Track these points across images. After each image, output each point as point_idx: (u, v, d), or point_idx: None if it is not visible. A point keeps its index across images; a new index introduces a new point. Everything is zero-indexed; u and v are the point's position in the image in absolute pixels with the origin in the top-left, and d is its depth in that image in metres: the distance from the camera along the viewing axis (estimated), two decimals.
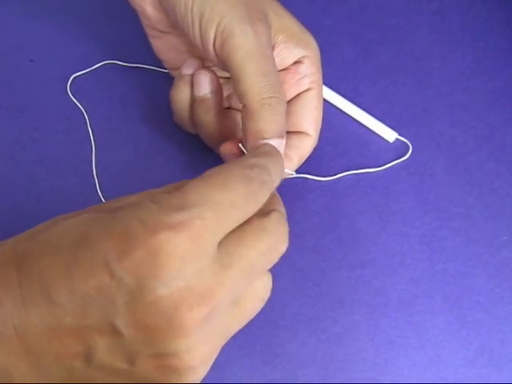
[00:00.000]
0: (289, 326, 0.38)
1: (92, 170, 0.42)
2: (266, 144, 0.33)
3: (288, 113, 0.36)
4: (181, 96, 0.39)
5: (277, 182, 0.29)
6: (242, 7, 0.34)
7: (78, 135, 0.43)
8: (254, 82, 0.33)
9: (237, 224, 0.26)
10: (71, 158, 0.42)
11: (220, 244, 0.26)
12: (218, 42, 0.34)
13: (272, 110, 0.33)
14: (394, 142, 0.42)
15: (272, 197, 0.29)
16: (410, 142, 0.42)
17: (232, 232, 0.26)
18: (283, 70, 0.38)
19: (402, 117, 0.43)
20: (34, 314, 0.25)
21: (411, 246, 0.40)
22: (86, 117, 0.43)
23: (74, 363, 0.26)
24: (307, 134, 0.38)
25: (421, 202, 0.41)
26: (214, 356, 0.27)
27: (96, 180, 0.41)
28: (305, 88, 0.38)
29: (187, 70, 0.38)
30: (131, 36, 0.46)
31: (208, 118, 0.38)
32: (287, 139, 0.36)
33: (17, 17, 0.46)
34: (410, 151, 0.42)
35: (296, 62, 0.38)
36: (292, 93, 0.38)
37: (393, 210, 0.41)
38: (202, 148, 0.42)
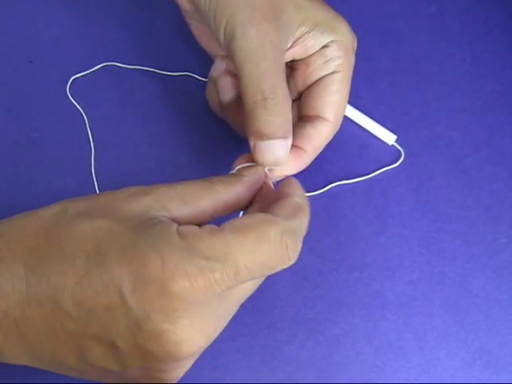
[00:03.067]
0: (287, 328, 0.38)
1: (91, 172, 0.42)
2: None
3: (309, 94, 0.36)
4: (212, 96, 0.39)
5: None
6: (249, 8, 0.33)
7: (77, 137, 0.43)
8: (249, 83, 0.33)
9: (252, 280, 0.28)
10: (70, 160, 0.42)
11: None
12: (225, 43, 0.34)
13: (266, 111, 0.32)
14: (392, 144, 0.42)
15: (299, 211, 0.30)
16: (410, 144, 0.42)
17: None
18: (310, 56, 0.37)
19: (401, 119, 0.43)
20: (37, 312, 0.26)
21: (410, 248, 0.40)
22: (86, 118, 0.43)
23: (67, 357, 0.27)
24: (324, 119, 0.37)
25: (419, 205, 0.41)
26: None
27: (95, 181, 0.41)
28: (330, 71, 0.36)
29: (214, 72, 0.38)
30: (131, 38, 0.46)
31: (238, 119, 0.37)
32: (300, 128, 0.36)
33: (16, 18, 0.46)
34: (402, 158, 0.42)
35: (323, 47, 0.36)
36: (316, 75, 0.37)
37: (391, 213, 0.41)
38: (202, 148, 0.42)
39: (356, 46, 0.37)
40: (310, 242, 0.39)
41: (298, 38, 0.36)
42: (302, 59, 0.37)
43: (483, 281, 0.39)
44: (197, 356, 0.28)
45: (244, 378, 0.37)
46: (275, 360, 0.37)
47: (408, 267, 0.39)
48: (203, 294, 0.25)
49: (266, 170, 0.33)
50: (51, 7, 0.47)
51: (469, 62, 0.45)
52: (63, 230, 0.27)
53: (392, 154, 0.42)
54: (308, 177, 0.41)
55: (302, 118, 0.38)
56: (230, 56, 0.34)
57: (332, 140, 0.40)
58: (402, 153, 0.42)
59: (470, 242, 0.40)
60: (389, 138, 0.42)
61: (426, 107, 0.44)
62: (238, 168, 0.33)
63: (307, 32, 0.35)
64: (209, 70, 0.39)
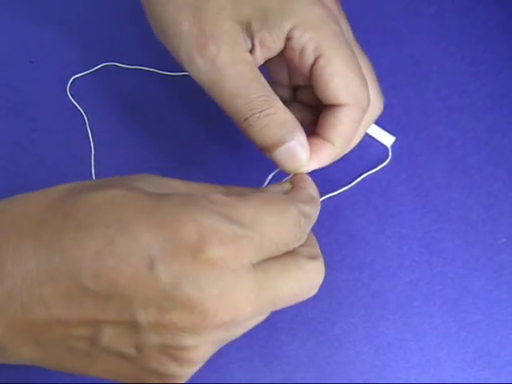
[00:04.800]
0: (287, 328, 0.38)
1: (91, 172, 0.42)
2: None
3: (313, 86, 0.33)
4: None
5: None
6: (192, 31, 0.32)
7: (77, 137, 0.43)
8: (231, 106, 0.32)
9: (270, 256, 0.27)
10: (70, 160, 0.42)
11: (261, 265, 0.26)
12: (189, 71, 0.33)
13: (262, 123, 0.31)
14: (392, 145, 0.42)
15: (313, 239, 0.30)
16: (410, 144, 0.42)
17: (277, 258, 0.27)
18: (279, 55, 0.33)
19: (401, 119, 0.44)
20: (49, 291, 0.23)
21: (410, 248, 0.40)
22: (86, 118, 0.43)
23: (77, 343, 0.25)
24: (340, 105, 0.33)
25: (419, 205, 0.41)
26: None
27: None
28: (311, 60, 0.32)
29: None
30: (131, 38, 0.46)
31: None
32: (322, 119, 0.34)
33: (16, 18, 0.46)
34: (389, 159, 0.42)
35: (287, 40, 0.32)
36: (305, 68, 0.33)
37: (391, 213, 0.41)
38: (202, 149, 0.42)
39: (332, 4, 0.34)
40: None
41: (254, 38, 0.32)
42: (278, 58, 0.34)
43: (483, 281, 0.39)
44: (216, 339, 0.26)
45: (244, 378, 0.37)
46: (275, 360, 0.37)
47: (408, 267, 0.39)
48: (233, 261, 0.24)
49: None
50: (51, 7, 0.47)
51: (469, 62, 0.45)
52: (75, 201, 0.25)
53: (391, 155, 0.42)
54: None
55: (322, 107, 0.35)
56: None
57: None
58: (390, 154, 0.42)
59: (470, 241, 0.40)
60: (387, 139, 0.42)
61: (426, 107, 0.44)
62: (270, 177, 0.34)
63: (259, 30, 0.32)
64: None
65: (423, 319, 0.38)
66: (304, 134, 0.32)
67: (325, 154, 0.33)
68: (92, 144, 0.42)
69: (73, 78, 0.44)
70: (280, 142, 0.32)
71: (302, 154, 0.32)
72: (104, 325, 0.24)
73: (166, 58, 0.45)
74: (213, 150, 0.42)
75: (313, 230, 0.30)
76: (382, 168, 0.42)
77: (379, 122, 0.43)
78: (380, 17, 0.47)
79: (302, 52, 0.32)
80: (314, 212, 0.29)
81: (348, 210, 0.41)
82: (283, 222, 0.26)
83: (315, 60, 0.32)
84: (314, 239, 0.31)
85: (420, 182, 0.41)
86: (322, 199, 0.41)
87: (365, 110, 0.34)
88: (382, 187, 0.41)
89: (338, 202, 0.41)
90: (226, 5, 0.32)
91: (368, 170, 0.41)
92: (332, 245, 0.39)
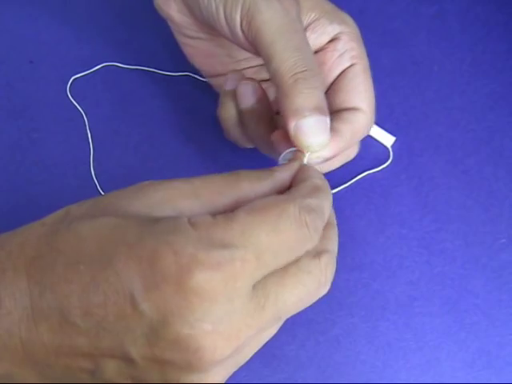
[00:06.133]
0: (287, 329, 0.37)
1: (91, 172, 0.42)
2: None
3: (335, 90, 0.35)
4: (229, 112, 0.36)
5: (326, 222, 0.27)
6: None
7: (77, 137, 0.43)
8: (285, 57, 0.31)
9: (277, 268, 0.25)
10: (70, 160, 0.42)
11: (261, 282, 0.24)
12: (244, 23, 0.32)
13: (307, 83, 0.31)
14: (392, 145, 0.42)
15: (328, 229, 0.28)
16: (410, 144, 0.42)
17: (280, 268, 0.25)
18: (320, 50, 0.37)
19: (401, 119, 0.44)
20: (44, 328, 0.23)
21: (410, 248, 0.40)
22: (86, 119, 0.43)
23: (80, 375, 0.25)
24: (359, 110, 0.36)
25: (419, 205, 0.41)
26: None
27: (95, 181, 0.41)
28: (347, 64, 0.36)
29: (230, 86, 0.36)
30: (131, 38, 0.46)
31: (260, 128, 0.35)
32: (338, 114, 0.35)
33: (17, 18, 0.46)
34: (390, 160, 0.42)
35: (332, 40, 0.36)
36: (335, 72, 0.37)
37: (391, 213, 0.41)
38: (202, 148, 0.42)
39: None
40: None
41: (309, 24, 0.36)
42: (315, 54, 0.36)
43: (483, 281, 0.39)
44: (225, 368, 0.25)
45: (244, 378, 0.37)
46: (275, 360, 0.37)
47: (408, 267, 0.39)
48: (224, 288, 0.22)
49: (307, 155, 0.31)
50: (51, 7, 0.47)
51: (469, 62, 0.45)
52: (64, 234, 0.24)
53: (391, 155, 0.42)
54: None
55: (335, 112, 0.36)
56: (251, 36, 0.32)
57: None
58: (391, 155, 0.42)
59: (470, 242, 0.40)
60: (388, 139, 0.42)
61: (425, 107, 0.44)
62: (284, 154, 0.32)
63: (316, 19, 0.35)
64: None
65: (423, 319, 0.38)
66: None
67: (335, 143, 0.33)
68: (92, 144, 0.42)
69: (73, 78, 0.44)
70: (320, 110, 0.31)
71: (329, 135, 0.31)
72: (102, 359, 0.24)
73: (166, 58, 0.45)
74: (213, 149, 0.42)
75: None
76: (382, 168, 0.42)
77: (379, 123, 0.43)
78: (380, 17, 0.47)
79: (342, 55, 0.36)
80: (321, 203, 0.26)
81: (348, 210, 0.41)
82: (281, 226, 0.24)
83: (350, 65, 0.36)
84: (328, 232, 0.28)
85: (420, 182, 0.41)
86: None
87: (372, 119, 0.37)
88: (382, 187, 0.41)
89: (338, 202, 0.41)
90: None
91: (368, 170, 0.42)
92: None
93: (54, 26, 0.46)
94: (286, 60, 0.31)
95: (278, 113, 0.38)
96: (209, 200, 0.26)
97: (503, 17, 0.47)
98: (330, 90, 0.37)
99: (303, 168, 0.29)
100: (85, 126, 0.43)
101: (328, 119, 0.31)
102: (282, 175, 0.28)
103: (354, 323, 0.38)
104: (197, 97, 0.44)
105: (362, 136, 0.36)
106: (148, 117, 0.43)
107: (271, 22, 0.31)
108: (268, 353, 0.37)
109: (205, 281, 0.22)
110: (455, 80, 0.45)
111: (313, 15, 0.36)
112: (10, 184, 0.41)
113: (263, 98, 0.35)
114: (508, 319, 0.38)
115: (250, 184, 0.27)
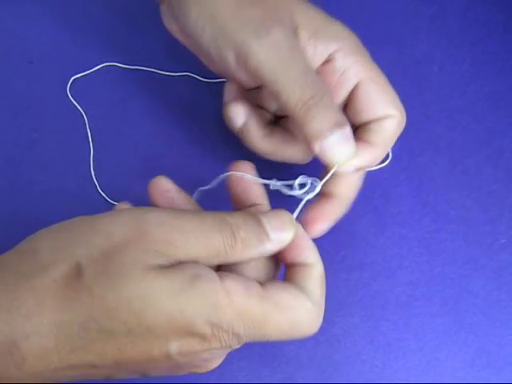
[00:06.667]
0: None
1: (91, 172, 0.42)
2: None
3: (354, 107, 0.35)
4: (229, 124, 0.37)
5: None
6: (251, 23, 0.33)
7: (77, 137, 0.43)
8: (290, 91, 0.32)
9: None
10: (70, 160, 0.42)
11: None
12: (241, 62, 0.33)
13: (318, 107, 0.31)
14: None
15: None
16: (410, 144, 0.42)
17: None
18: (319, 74, 0.35)
19: None
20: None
21: (410, 248, 0.40)
22: (86, 119, 0.43)
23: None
24: (386, 117, 0.35)
25: (419, 205, 0.41)
26: None
27: (95, 182, 0.41)
28: (354, 81, 0.35)
29: (225, 99, 0.37)
30: (131, 38, 0.46)
31: (256, 145, 0.36)
32: (366, 126, 0.35)
33: (16, 18, 0.46)
34: (389, 160, 0.42)
35: (328, 61, 0.35)
36: (343, 92, 0.35)
37: (391, 213, 0.41)
38: (202, 148, 0.42)
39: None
40: None
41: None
42: None
43: (483, 281, 0.39)
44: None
45: (244, 378, 0.36)
46: (275, 360, 0.37)
47: (408, 267, 0.39)
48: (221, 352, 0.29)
49: (335, 168, 0.32)
50: (51, 7, 0.47)
51: (469, 62, 0.45)
52: (86, 301, 0.25)
53: (392, 155, 0.42)
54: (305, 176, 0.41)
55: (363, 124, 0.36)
56: (250, 73, 0.33)
57: None
58: (391, 155, 0.42)
59: (470, 242, 0.40)
60: None
61: (425, 108, 0.44)
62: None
63: (307, 39, 0.34)
64: (209, 70, 0.39)
65: (423, 319, 0.38)
66: None
67: (369, 153, 0.34)
68: (92, 144, 0.42)
69: (73, 78, 0.44)
70: (338, 125, 0.31)
71: (354, 144, 0.32)
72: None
73: (166, 58, 0.45)
74: (213, 149, 0.42)
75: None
76: (382, 168, 0.42)
77: None
78: (380, 17, 0.47)
79: (343, 74, 0.35)
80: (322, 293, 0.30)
81: (348, 210, 0.41)
82: (292, 330, 0.30)
83: (358, 82, 0.35)
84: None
85: (420, 182, 0.41)
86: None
87: (404, 119, 0.36)
88: (382, 187, 0.41)
89: None
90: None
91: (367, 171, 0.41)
92: (332, 245, 0.39)
93: (54, 26, 0.46)
94: (292, 93, 0.32)
95: (278, 117, 0.38)
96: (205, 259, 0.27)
97: (503, 17, 0.47)
98: (349, 107, 0.36)
99: (303, 246, 0.29)
100: (85, 125, 0.43)
101: (348, 128, 0.32)
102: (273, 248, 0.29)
103: (353, 323, 0.38)
104: (197, 97, 0.44)
105: (396, 138, 0.36)
106: (148, 116, 0.43)
107: (267, 61, 0.32)
108: (268, 352, 0.37)
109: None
110: (455, 80, 0.45)
111: (303, 34, 0.34)
112: (9, 184, 0.41)
113: (252, 116, 0.36)
114: (508, 319, 0.38)
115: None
